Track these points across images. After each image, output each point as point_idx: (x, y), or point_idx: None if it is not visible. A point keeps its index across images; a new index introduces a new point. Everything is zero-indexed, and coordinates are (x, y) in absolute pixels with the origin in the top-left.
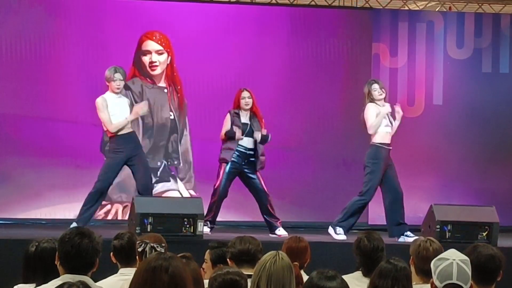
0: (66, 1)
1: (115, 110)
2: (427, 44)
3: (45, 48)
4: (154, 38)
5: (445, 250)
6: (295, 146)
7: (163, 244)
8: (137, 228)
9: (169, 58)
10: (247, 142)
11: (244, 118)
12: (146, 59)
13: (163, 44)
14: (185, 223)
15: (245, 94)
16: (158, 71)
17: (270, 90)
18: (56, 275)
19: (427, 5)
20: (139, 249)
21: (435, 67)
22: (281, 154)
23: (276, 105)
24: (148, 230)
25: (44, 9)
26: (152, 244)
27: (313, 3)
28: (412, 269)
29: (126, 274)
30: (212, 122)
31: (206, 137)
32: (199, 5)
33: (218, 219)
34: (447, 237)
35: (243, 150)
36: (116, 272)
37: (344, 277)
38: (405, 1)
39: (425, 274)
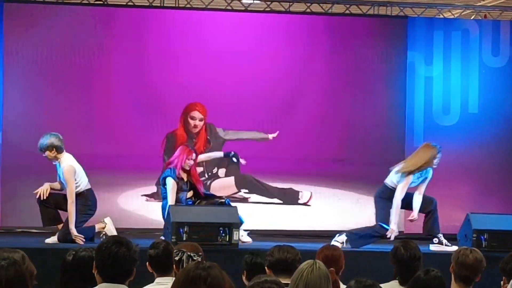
0: (113, 13)
1: (78, 170)
2: (463, 53)
3: (94, 59)
4: (199, 109)
5: None
6: (331, 156)
7: (200, 253)
8: (172, 237)
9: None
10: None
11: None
12: (191, 122)
13: (204, 114)
14: (221, 232)
15: (193, 156)
16: (197, 130)
17: (305, 100)
18: (94, 284)
19: (462, 13)
20: (176, 258)
21: (470, 76)
22: (317, 163)
23: (311, 115)
24: (184, 239)
25: (94, 21)
26: (189, 253)
27: (348, 12)
28: (452, 276)
29: (162, 283)
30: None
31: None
32: (234, 14)
33: (255, 227)
34: (483, 246)
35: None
36: (152, 282)
37: (381, 286)
38: (440, 10)
39: (463, 281)
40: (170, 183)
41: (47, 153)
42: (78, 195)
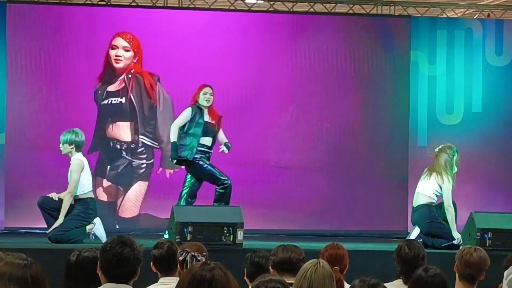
0: (116, 13)
1: (87, 173)
2: (466, 52)
3: (98, 59)
4: (124, 36)
5: None
6: (333, 156)
7: (204, 253)
8: (176, 237)
9: (136, 57)
10: (208, 141)
11: (206, 116)
12: (112, 53)
13: (131, 44)
14: (225, 231)
15: (208, 90)
16: (121, 65)
17: (307, 99)
18: (98, 284)
19: (466, 13)
20: (180, 258)
21: (474, 75)
22: (316, 158)
23: (314, 113)
24: (188, 239)
25: (97, 21)
26: (193, 253)
27: (351, 11)
28: (456, 275)
29: (166, 283)
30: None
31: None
32: (237, 14)
33: (257, 227)
34: (487, 245)
35: (206, 149)
36: (156, 282)
37: (385, 285)
38: (443, 9)
39: (467, 280)
40: (186, 110)
41: (66, 145)
42: (80, 200)
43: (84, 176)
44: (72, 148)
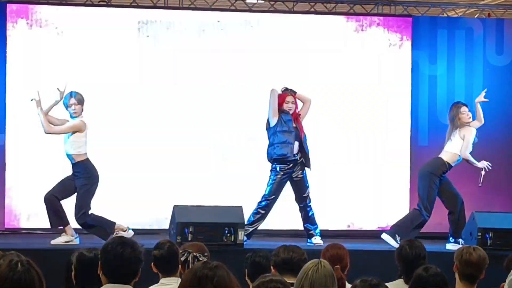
0: (116, 13)
1: (87, 137)
2: (467, 51)
3: (97, 59)
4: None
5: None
6: (332, 149)
7: (206, 254)
8: (177, 238)
9: None
10: (295, 147)
11: (291, 122)
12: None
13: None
14: (226, 232)
15: (290, 99)
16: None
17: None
18: (99, 285)
19: (466, 12)
20: (182, 258)
21: (474, 74)
22: (315, 157)
23: (314, 114)
24: (189, 239)
25: (97, 21)
26: (194, 254)
27: (351, 11)
28: (456, 275)
29: (167, 284)
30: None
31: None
32: (238, 14)
33: (260, 227)
34: (488, 244)
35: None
36: (157, 282)
37: (387, 284)
38: (444, 8)
39: (468, 279)
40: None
41: (79, 106)
42: (77, 164)
43: (85, 138)
44: (82, 110)
